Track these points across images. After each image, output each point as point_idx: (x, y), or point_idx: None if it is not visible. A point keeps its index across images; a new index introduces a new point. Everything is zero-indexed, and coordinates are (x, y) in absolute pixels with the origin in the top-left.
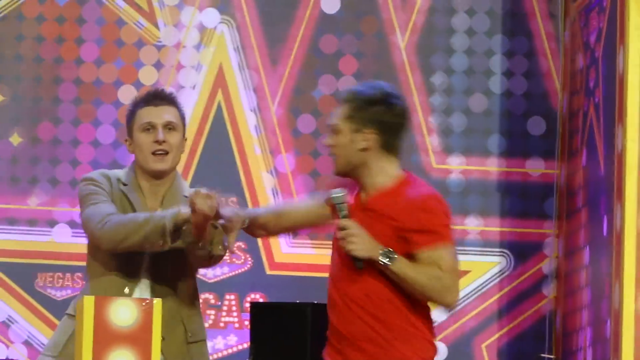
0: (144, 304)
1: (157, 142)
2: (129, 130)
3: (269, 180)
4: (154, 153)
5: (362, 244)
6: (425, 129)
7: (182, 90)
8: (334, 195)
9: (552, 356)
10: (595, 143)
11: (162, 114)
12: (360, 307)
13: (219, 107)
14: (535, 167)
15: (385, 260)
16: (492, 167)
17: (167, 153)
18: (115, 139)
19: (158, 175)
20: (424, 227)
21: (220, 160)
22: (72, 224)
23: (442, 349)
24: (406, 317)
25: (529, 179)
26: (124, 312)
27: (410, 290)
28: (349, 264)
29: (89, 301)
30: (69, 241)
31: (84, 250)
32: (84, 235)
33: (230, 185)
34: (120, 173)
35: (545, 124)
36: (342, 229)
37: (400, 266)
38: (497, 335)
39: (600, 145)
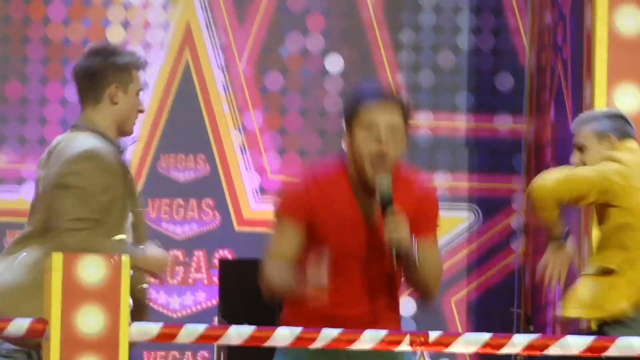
0: (112, 260)
1: (142, 110)
2: (122, 80)
3: (236, 137)
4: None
5: (407, 232)
6: (393, 86)
7: (150, 48)
8: (382, 181)
9: (520, 310)
10: (564, 99)
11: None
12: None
13: (187, 66)
14: (503, 123)
15: (415, 250)
16: (460, 123)
17: None
18: None
19: None
20: (432, 217)
21: (188, 118)
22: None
23: (411, 303)
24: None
25: (497, 135)
26: (92, 268)
27: (415, 278)
28: (379, 249)
29: (57, 258)
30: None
31: None
32: None
33: (198, 143)
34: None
35: (513, 80)
36: (392, 215)
37: (419, 254)
38: (466, 290)
39: (568, 101)
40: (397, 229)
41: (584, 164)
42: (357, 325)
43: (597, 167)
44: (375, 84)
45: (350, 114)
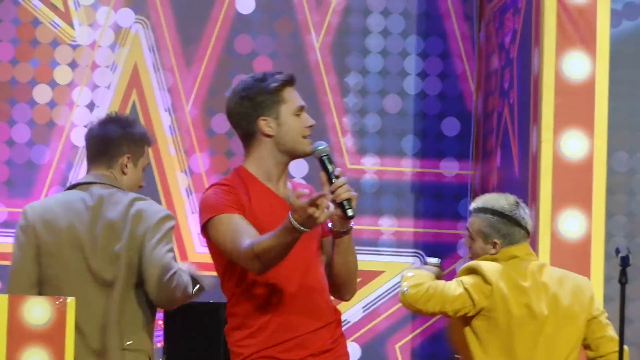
0: (57, 302)
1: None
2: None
3: (183, 180)
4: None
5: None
6: (340, 130)
7: (97, 89)
8: (320, 147)
9: None
10: (510, 144)
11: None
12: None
13: (134, 107)
14: (449, 168)
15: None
16: (406, 167)
17: None
18: (30, 138)
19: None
20: None
21: None
22: None
23: (355, 349)
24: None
25: (443, 179)
26: (37, 310)
27: (348, 265)
28: (307, 251)
29: (2, 299)
30: None
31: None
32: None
33: (144, 185)
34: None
35: (460, 125)
36: (338, 176)
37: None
38: (410, 336)
39: (514, 146)
40: (347, 187)
41: (472, 253)
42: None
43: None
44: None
45: (275, 102)
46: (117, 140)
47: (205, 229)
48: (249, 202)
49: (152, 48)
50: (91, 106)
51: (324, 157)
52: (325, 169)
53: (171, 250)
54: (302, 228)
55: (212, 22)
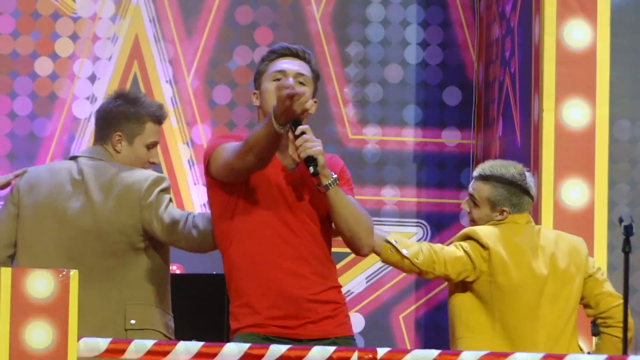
0: (60, 275)
1: (152, 163)
2: (128, 130)
3: (185, 151)
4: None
5: (321, 147)
6: (341, 100)
7: (98, 62)
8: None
9: None
10: (512, 113)
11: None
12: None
13: (135, 79)
14: (451, 138)
15: (334, 177)
16: (408, 137)
17: None
18: (32, 111)
19: None
20: (347, 178)
21: None
22: None
23: (359, 320)
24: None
25: (445, 149)
26: (41, 283)
27: (344, 218)
28: (292, 191)
29: (5, 272)
30: None
31: None
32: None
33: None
34: None
35: (461, 94)
36: (302, 133)
37: (341, 190)
38: (414, 307)
39: (516, 115)
40: (311, 144)
41: (473, 219)
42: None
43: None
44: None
45: (264, 71)
46: (109, 117)
47: (207, 169)
48: None
49: (152, 20)
50: (92, 78)
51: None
52: (291, 127)
53: (169, 204)
54: (278, 120)
55: None
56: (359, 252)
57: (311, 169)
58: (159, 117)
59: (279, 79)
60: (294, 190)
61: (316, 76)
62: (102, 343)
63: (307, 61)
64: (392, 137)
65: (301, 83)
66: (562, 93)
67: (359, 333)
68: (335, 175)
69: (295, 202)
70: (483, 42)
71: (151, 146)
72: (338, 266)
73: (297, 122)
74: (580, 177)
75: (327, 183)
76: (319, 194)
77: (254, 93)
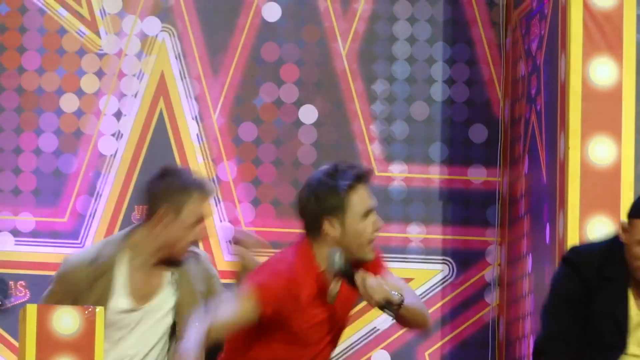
0: (86, 312)
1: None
2: (173, 202)
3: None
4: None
5: (384, 287)
6: (367, 137)
7: (124, 98)
8: (337, 260)
9: None
10: (538, 151)
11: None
12: None
13: (161, 115)
14: (477, 175)
15: (400, 297)
16: (434, 175)
17: None
18: (58, 147)
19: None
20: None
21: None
22: (14, 232)
23: (385, 356)
24: None
25: (471, 186)
26: (66, 320)
27: (413, 321)
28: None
29: (31, 309)
30: (11, 249)
31: (26, 258)
32: (26, 243)
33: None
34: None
35: (487, 131)
36: (363, 279)
37: (407, 300)
38: (440, 343)
39: (542, 153)
40: (374, 289)
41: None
42: None
43: None
44: (339, 166)
45: (343, 205)
46: (155, 193)
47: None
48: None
49: (178, 56)
50: (118, 115)
51: (346, 267)
52: (350, 279)
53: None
54: None
55: (239, 30)
56: (425, 332)
57: (388, 312)
58: (207, 190)
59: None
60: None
61: None
62: None
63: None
64: (418, 174)
65: None
66: (587, 130)
67: None
68: (399, 297)
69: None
70: (509, 79)
71: (198, 221)
72: (363, 303)
73: (349, 271)
74: (606, 215)
75: (399, 309)
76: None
77: (327, 219)
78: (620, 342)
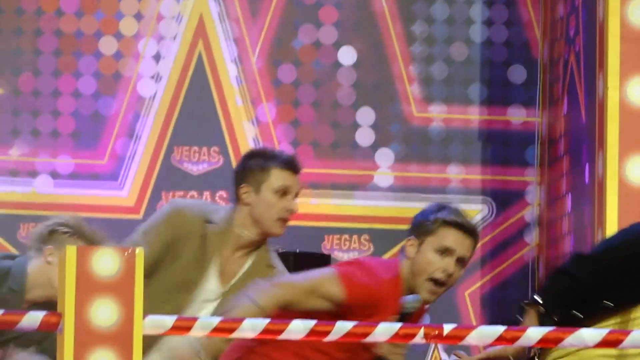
0: (126, 253)
1: (290, 211)
2: (252, 180)
3: (250, 130)
4: (280, 219)
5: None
6: (406, 78)
7: (162, 41)
8: (411, 304)
9: None
10: (577, 91)
11: (298, 183)
12: None
13: (200, 58)
14: (516, 116)
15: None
16: (473, 115)
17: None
18: (97, 90)
19: (266, 239)
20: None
21: (201, 111)
22: (53, 175)
23: None
24: None
25: (510, 127)
26: (106, 261)
27: None
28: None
29: (71, 251)
30: (50, 192)
31: (65, 200)
32: (65, 185)
33: (211, 135)
34: (213, 211)
35: (526, 72)
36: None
37: None
38: (480, 283)
39: (581, 93)
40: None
41: None
42: None
43: None
44: (457, 209)
45: (429, 232)
46: (236, 173)
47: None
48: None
49: None
50: (157, 57)
51: (408, 313)
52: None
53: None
54: None
55: None
56: None
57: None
58: (285, 161)
59: (445, 254)
60: None
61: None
62: (168, 320)
63: (475, 238)
64: (457, 115)
65: (462, 264)
66: (626, 71)
67: None
68: None
69: None
70: (548, 20)
71: (282, 192)
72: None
73: (405, 320)
74: None
75: None
76: None
77: (409, 240)
78: None
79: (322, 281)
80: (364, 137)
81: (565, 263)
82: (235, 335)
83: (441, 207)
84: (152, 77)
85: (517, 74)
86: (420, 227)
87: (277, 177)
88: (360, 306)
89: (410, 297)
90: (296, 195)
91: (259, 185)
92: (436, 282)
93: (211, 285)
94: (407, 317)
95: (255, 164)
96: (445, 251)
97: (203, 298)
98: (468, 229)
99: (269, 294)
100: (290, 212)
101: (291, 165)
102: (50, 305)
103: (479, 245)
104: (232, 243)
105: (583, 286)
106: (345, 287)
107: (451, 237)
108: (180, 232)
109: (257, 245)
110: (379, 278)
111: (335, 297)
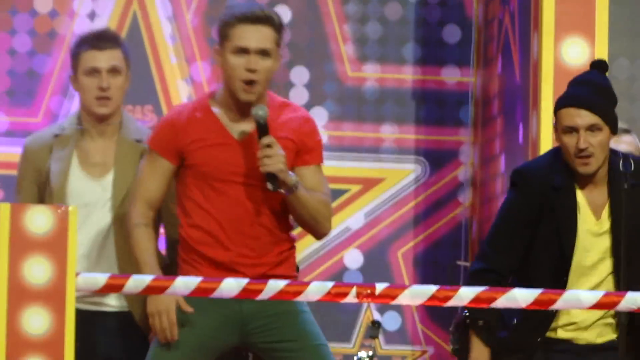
0: (59, 210)
1: (101, 88)
2: (73, 68)
3: (184, 88)
4: (97, 98)
5: (283, 163)
6: (341, 38)
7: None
8: (258, 112)
9: (467, 263)
10: (511, 51)
11: (106, 59)
12: (254, 222)
13: (134, 16)
14: (450, 75)
15: (295, 182)
16: (407, 75)
17: (109, 98)
18: (32, 48)
19: (101, 118)
20: (313, 145)
21: (136, 69)
22: None
23: (358, 256)
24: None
25: (444, 87)
26: (39, 218)
27: (301, 214)
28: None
29: (3, 208)
30: None
31: (1, 158)
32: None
33: (146, 94)
34: (58, 125)
35: (461, 32)
36: (267, 146)
37: (303, 191)
38: (413, 243)
39: (515, 53)
40: (272, 160)
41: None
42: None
43: None
44: (249, 3)
45: (222, 35)
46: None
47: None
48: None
49: None
50: (92, 16)
51: (260, 123)
52: (259, 135)
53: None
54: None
55: None
56: (317, 238)
57: (269, 185)
58: (89, 40)
59: (242, 54)
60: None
61: (280, 32)
62: (101, 278)
63: (269, 23)
64: (391, 74)
65: (265, 55)
66: (561, 31)
67: (357, 269)
68: (295, 179)
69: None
70: None
71: (91, 72)
72: (336, 203)
73: (263, 130)
74: None
75: (286, 190)
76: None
77: (216, 49)
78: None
79: (145, 165)
80: (298, 96)
81: (472, 264)
82: (169, 292)
83: (230, 7)
84: None
85: (452, 33)
86: (218, 34)
87: (86, 59)
88: (166, 140)
89: (254, 107)
90: (114, 71)
91: (76, 72)
92: (246, 82)
93: (85, 185)
94: (263, 127)
95: (70, 53)
96: (240, 51)
97: (84, 202)
98: (252, 18)
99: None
100: (102, 89)
101: (96, 41)
102: None
103: (412, 204)
104: (89, 136)
105: (500, 269)
106: (152, 147)
107: (240, 34)
108: (36, 161)
109: (106, 127)
110: (170, 111)
111: (161, 162)
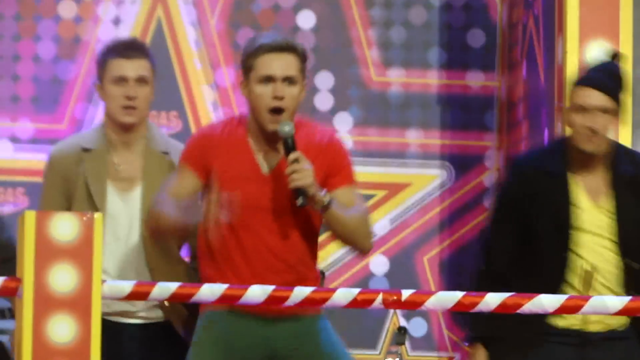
0: (85, 218)
1: (128, 97)
2: (99, 76)
3: (209, 93)
4: (123, 107)
5: (312, 178)
6: (365, 42)
7: (121, 5)
8: (284, 129)
9: None
10: (536, 55)
11: (134, 68)
12: (278, 258)
13: (159, 22)
14: (475, 80)
15: (327, 199)
16: (432, 79)
17: (135, 108)
18: (56, 55)
19: (127, 128)
20: (342, 166)
21: (160, 75)
22: (13, 140)
23: (383, 262)
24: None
25: (469, 91)
26: (65, 226)
27: (339, 233)
28: (275, 208)
29: (29, 216)
30: (10, 157)
31: (26, 166)
32: (25, 150)
33: (170, 100)
34: (85, 137)
35: (485, 36)
36: (294, 161)
37: (338, 209)
38: (439, 248)
39: (540, 57)
40: (300, 175)
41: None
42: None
43: None
44: (272, 34)
45: (247, 67)
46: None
47: None
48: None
49: None
50: (116, 21)
51: (286, 140)
52: (284, 149)
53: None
54: None
55: None
56: (361, 255)
57: (299, 201)
58: (117, 48)
59: (268, 82)
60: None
61: (304, 61)
62: (127, 286)
63: (293, 52)
64: (416, 79)
65: (291, 82)
66: (585, 34)
67: (383, 275)
68: (327, 198)
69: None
70: None
71: (118, 81)
72: None
73: (289, 147)
74: None
75: (319, 208)
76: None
77: (241, 82)
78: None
79: (177, 176)
80: (323, 101)
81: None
82: (194, 300)
83: (252, 39)
84: None
85: (476, 38)
86: (243, 67)
87: (113, 67)
88: (196, 156)
89: (282, 123)
90: (142, 81)
91: (102, 80)
92: (272, 110)
93: (114, 199)
94: (290, 143)
95: (97, 61)
96: (266, 79)
97: (112, 215)
98: (276, 47)
99: (166, 192)
100: (129, 98)
101: (124, 50)
102: None
103: (437, 209)
104: (113, 148)
105: (498, 267)
106: (183, 160)
107: (265, 63)
108: (64, 171)
109: (131, 138)
110: (205, 127)
111: (191, 175)
